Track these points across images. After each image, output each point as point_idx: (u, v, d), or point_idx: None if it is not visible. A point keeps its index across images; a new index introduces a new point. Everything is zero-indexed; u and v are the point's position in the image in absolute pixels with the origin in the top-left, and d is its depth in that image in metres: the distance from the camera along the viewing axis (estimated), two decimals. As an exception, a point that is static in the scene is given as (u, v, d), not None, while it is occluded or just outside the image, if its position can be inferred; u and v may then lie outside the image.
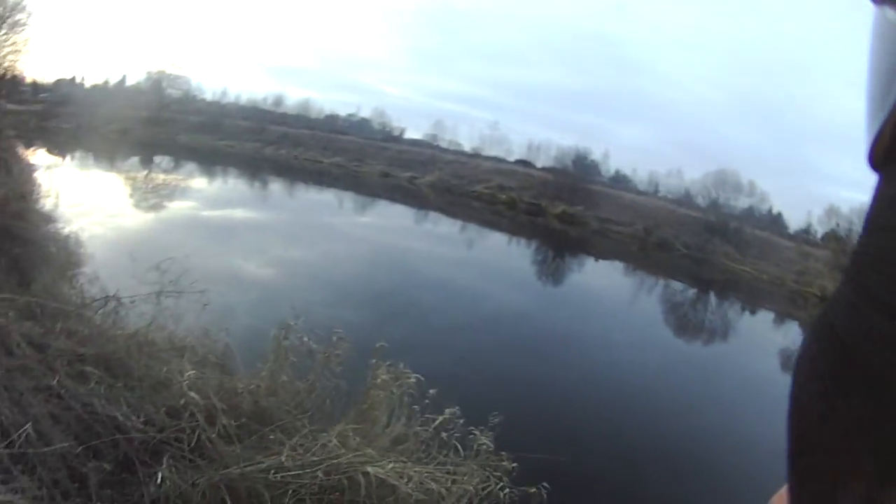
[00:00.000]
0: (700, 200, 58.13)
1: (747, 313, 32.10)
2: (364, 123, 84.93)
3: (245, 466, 4.70)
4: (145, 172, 41.39)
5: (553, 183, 58.58)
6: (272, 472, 4.68)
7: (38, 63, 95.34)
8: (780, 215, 60.62)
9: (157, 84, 72.73)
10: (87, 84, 78.61)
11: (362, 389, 6.25)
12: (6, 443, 4.25)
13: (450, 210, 47.16)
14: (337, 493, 4.73)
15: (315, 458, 4.85)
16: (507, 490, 5.47)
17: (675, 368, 17.07)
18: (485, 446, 5.70)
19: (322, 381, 6.48)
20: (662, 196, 64.46)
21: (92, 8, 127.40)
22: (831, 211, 51.91)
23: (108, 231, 18.24)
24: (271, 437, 5.41)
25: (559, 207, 54.20)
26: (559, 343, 16.53)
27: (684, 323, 25.00)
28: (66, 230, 13.28)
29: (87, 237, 13.28)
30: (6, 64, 33.33)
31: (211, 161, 53.78)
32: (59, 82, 75.12)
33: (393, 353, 6.58)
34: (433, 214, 44.18)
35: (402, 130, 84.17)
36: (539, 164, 70.44)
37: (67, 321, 6.70)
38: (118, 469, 4.75)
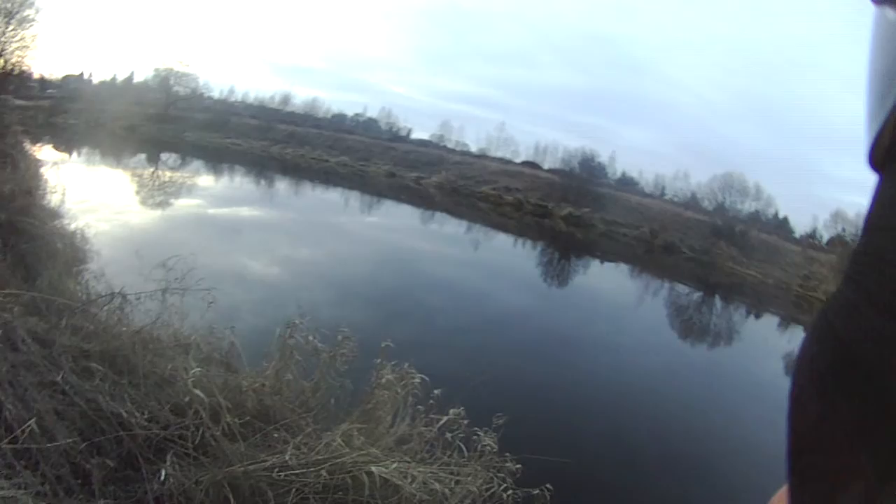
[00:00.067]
0: (706, 203, 58.25)
1: (752, 317, 32.03)
2: (371, 123, 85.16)
3: (249, 464, 4.70)
4: (152, 169, 41.51)
5: (560, 185, 58.71)
6: (276, 470, 4.67)
7: (46, 59, 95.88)
8: (785, 219, 60.73)
9: (164, 81, 72.99)
10: (95, 80, 79.08)
11: (367, 389, 6.25)
12: (10, 438, 4.24)
13: (456, 211, 47.23)
14: (340, 493, 4.72)
15: (319, 457, 4.85)
16: (510, 491, 5.46)
17: (680, 371, 17.04)
18: (489, 447, 5.69)
19: (327, 380, 6.48)
20: (669, 199, 64.64)
21: (100, 4, 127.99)
22: (837, 215, 52.05)
23: (114, 228, 18.26)
24: (275, 435, 5.41)
25: (565, 209, 54.27)
26: (564, 345, 16.52)
27: (689, 326, 24.97)
28: (73, 226, 13.28)
29: (94, 234, 13.27)
30: (14, 59, 33.45)
31: (217, 159, 53.99)
32: (66, 78, 75.54)
33: (398, 352, 6.57)
34: (439, 215, 44.21)
35: (409, 130, 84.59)
36: (546, 166, 70.73)
37: (73, 317, 6.70)
38: (122, 466, 4.75)
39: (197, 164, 49.74)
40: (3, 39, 31.57)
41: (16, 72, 34.43)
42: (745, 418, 12.57)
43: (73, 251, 11.60)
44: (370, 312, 14.63)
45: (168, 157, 50.42)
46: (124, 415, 5.03)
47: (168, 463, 4.68)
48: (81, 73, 79.21)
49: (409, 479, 4.90)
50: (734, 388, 16.36)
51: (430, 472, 5.17)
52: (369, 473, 4.72)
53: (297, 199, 41.05)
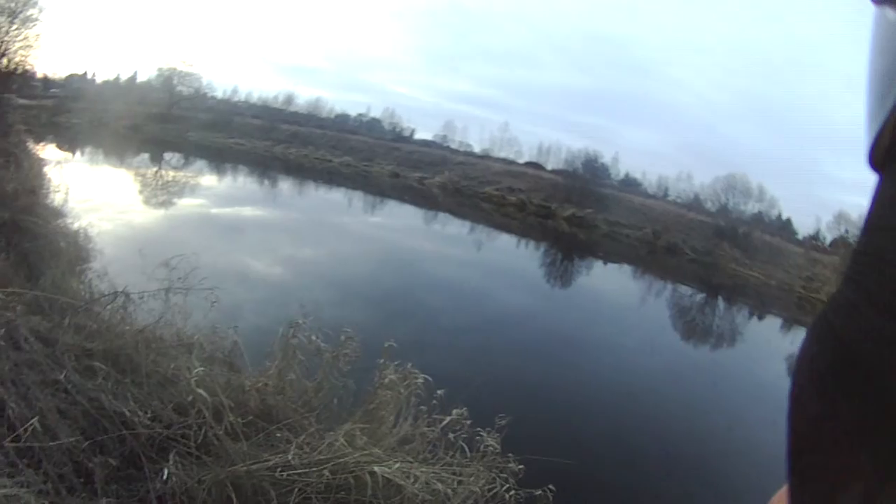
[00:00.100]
0: (709, 205, 58.13)
1: (755, 319, 32.03)
2: (374, 123, 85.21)
3: (251, 464, 4.70)
4: (155, 169, 41.56)
5: (563, 185, 58.70)
6: (278, 470, 4.67)
7: (49, 58, 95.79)
8: (789, 221, 60.64)
9: (168, 81, 73.06)
10: (99, 80, 79.23)
11: (370, 389, 6.24)
12: (12, 436, 4.25)
13: (459, 211, 47.25)
14: (343, 493, 4.72)
15: (322, 457, 4.85)
16: (512, 492, 5.46)
17: (683, 372, 17.05)
18: (491, 447, 5.68)
19: (330, 379, 6.48)
20: (672, 200, 64.55)
21: (104, 3, 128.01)
22: (840, 217, 51.94)
23: (117, 227, 18.30)
24: (278, 435, 5.41)
25: (569, 210, 54.26)
26: (567, 345, 16.53)
27: (692, 327, 24.96)
28: (76, 225, 13.30)
29: (97, 233, 13.28)
30: (17, 59, 33.47)
31: (221, 159, 54.05)
32: (70, 78, 75.67)
33: (401, 353, 6.57)
34: (442, 215, 44.19)
35: (413, 131, 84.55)
36: (549, 167, 70.65)
37: (76, 316, 6.70)
38: (124, 464, 4.75)
39: (200, 163, 49.84)
40: (6, 39, 31.63)
41: (19, 71, 34.50)
42: (747, 419, 12.57)
43: (76, 250, 11.61)
44: (373, 312, 14.64)
45: (171, 157, 50.55)
46: (127, 414, 5.03)
47: (171, 462, 4.68)
48: (85, 73, 79.43)
49: (412, 480, 4.90)
50: (737, 389, 16.35)
51: (433, 473, 5.17)
52: (372, 473, 4.71)
53: (301, 198, 41.09)
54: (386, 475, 4.76)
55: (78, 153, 41.63)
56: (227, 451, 4.90)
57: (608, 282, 32.42)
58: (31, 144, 26.03)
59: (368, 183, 56.19)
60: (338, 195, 47.02)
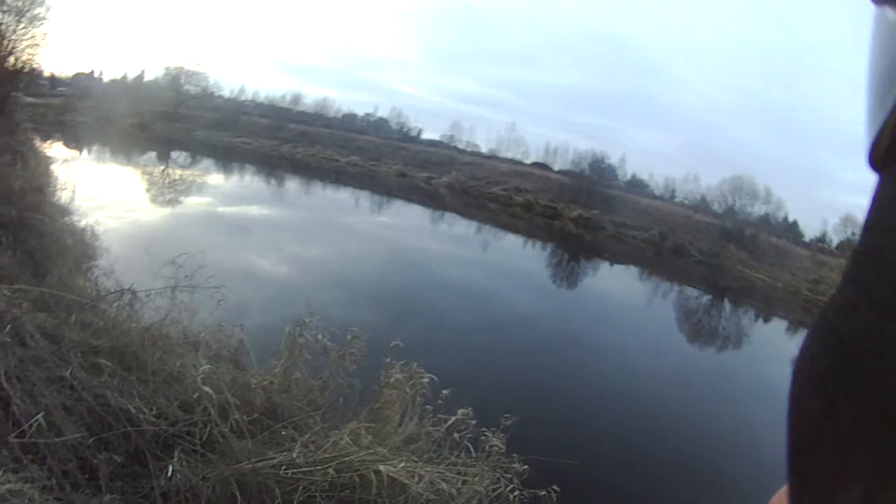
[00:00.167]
0: (716, 206, 58.13)
1: (761, 321, 32.01)
2: (381, 123, 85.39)
3: (256, 462, 4.70)
4: (162, 167, 41.65)
5: (570, 186, 58.73)
6: (283, 468, 4.67)
7: (56, 57, 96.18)
8: (795, 223, 60.53)
9: (175, 80, 73.23)
10: (106, 78, 79.54)
11: (375, 388, 6.25)
12: (17, 432, 4.25)
13: (466, 211, 47.31)
14: (348, 491, 4.72)
15: (327, 456, 4.85)
16: (517, 492, 5.46)
17: (689, 374, 17.04)
18: (496, 448, 5.68)
19: (335, 378, 6.49)
20: (678, 201, 64.53)
21: (111, 2, 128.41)
22: (847, 219, 51.84)
23: (123, 225, 18.32)
24: (283, 433, 5.41)
25: (575, 211, 54.28)
26: (573, 346, 16.52)
27: (698, 329, 24.95)
28: (82, 223, 13.33)
29: (103, 230, 13.32)
30: (25, 57, 33.52)
31: (227, 158, 54.21)
32: (77, 76, 76.03)
33: (407, 352, 6.57)
34: (449, 215, 44.26)
35: (420, 131, 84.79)
36: (556, 167, 70.82)
37: (82, 313, 6.72)
38: (129, 461, 4.75)
39: (207, 162, 49.95)
40: (13, 37, 31.67)
41: (26, 69, 34.56)
42: (753, 421, 12.54)
43: (82, 248, 11.64)
44: (379, 312, 14.65)
45: (178, 156, 50.64)
46: (132, 411, 5.04)
47: (175, 459, 4.69)
48: (92, 71, 79.71)
49: (417, 479, 4.90)
50: (743, 390, 16.33)
51: (438, 472, 5.17)
52: (377, 472, 4.72)
53: (307, 198, 41.15)
54: (391, 474, 4.76)
55: (85, 151, 41.74)
56: (232, 449, 4.91)
57: (614, 283, 32.41)
58: (38, 142, 26.20)
59: (375, 183, 56.29)
60: (345, 195, 47.07)
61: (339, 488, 4.70)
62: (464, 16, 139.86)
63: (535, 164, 72.12)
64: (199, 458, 4.86)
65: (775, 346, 25.57)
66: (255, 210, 29.57)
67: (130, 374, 5.64)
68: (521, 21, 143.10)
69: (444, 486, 5.02)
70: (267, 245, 21.20)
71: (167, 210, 25.18)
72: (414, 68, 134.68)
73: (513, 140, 78.73)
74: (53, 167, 19.86)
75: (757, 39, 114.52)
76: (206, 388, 5.17)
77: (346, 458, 4.82)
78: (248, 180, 44.84)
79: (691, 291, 34.52)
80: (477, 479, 5.36)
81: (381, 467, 4.76)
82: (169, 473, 4.59)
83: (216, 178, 41.80)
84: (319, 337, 6.58)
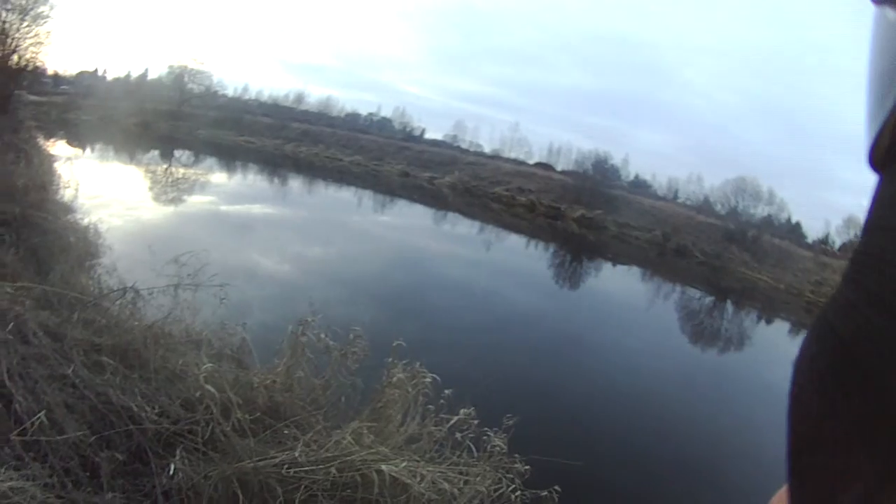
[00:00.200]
0: (719, 207, 58.08)
1: (763, 322, 31.98)
2: (385, 122, 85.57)
3: (258, 461, 4.70)
4: (165, 166, 41.67)
5: (572, 186, 58.69)
6: (285, 467, 4.67)
7: (60, 55, 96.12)
8: (798, 224, 60.57)
9: (178, 78, 73.46)
10: (109, 77, 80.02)
11: (378, 387, 6.25)
12: (19, 430, 4.26)
13: (469, 211, 47.26)
14: (349, 490, 4.72)
15: (329, 455, 4.85)
16: (518, 492, 5.46)
17: (691, 375, 17.03)
18: (498, 448, 5.68)
19: (338, 378, 6.49)
20: (681, 202, 64.61)
21: (115, 1, 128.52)
22: (850, 221, 51.79)
23: (126, 223, 18.33)
24: (285, 432, 5.42)
25: (578, 211, 54.25)
26: (575, 346, 16.52)
27: (700, 330, 24.92)
28: (85, 221, 13.35)
29: (106, 229, 13.32)
30: (28, 55, 33.48)
31: (231, 156, 54.25)
32: (80, 74, 76.28)
33: (409, 351, 6.56)
34: (452, 215, 44.20)
35: (423, 130, 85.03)
36: (559, 167, 70.93)
37: (84, 311, 6.72)
38: (131, 459, 4.76)
39: (210, 161, 49.98)
40: (17, 35, 31.63)
41: (30, 68, 34.52)
42: (755, 422, 12.53)
43: (85, 246, 11.65)
44: (382, 311, 14.65)
45: (181, 154, 50.71)
46: (134, 409, 5.05)
47: (177, 457, 4.70)
48: (95, 70, 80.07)
49: (418, 478, 4.90)
50: (745, 391, 16.31)
51: (440, 472, 5.16)
52: (379, 472, 4.72)
53: (310, 197, 41.15)
54: (393, 474, 4.76)
55: (88, 150, 41.77)
56: (234, 448, 4.91)
57: (617, 283, 32.39)
58: (41, 140, 26.22)
59: (378, 182, 56.31)
60: (348, 194, 47.07)
61: (341, 487, 4.70)
62: (467, 15, 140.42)
63: (539, 165, 72.20)
64: (201, 456, 4.86)
65: (777, 347, 25.52)
66: (257, 209, 29.57)
67: (133, 373, 5.65)
68: (524, 20, 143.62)
69: (446, 485, 5.02)
70: (270, 244, 21.20)
71: (170, 208, 25.18)
72: (417, 68, 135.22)
73: (516, 140, 78.96)
74: (56, 165, 19.87)
75: (759, 39, 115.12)
76: (209, 387, 5.17)
77: (348, 458, 4.82)
78: (251, 179, 44.84)
79: (694, 292, 34.49)
80: (479, 479, 5.36)
81: (384, 467, 4.76)
82: (171, 472, 4.60)
83: (219, 177, 41.82)
84: (322, 336, 6.57)
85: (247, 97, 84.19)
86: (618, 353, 16.76)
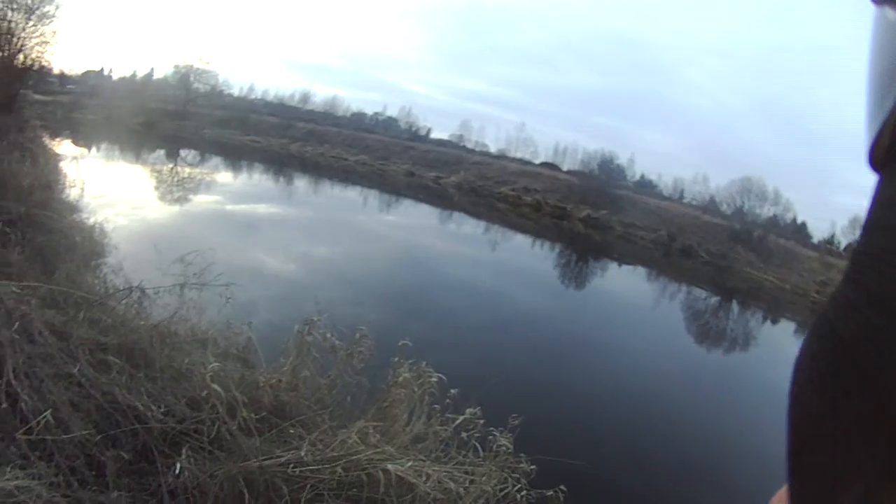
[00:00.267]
0: (725, 208, 58.07)
1: (769, 323, 31.97)
2: (390, 122, 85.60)
3: (264, 460, 4.70)
4: (171, 166, 41.75)
5: (578, 186, 58.77)
6: (291, 466, 4.67)
7: (65, 55, 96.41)
8: (804, 225, 60.55)
9: (184, 78, 73.54)
10: (115, 76, 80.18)
11: (383, 387, 6.25)
12: (25, 429, 4.26)
13: (474, 211, 47.31)
14: (355, 490, 4.72)
15: (334, 454, 4.85)
16: (524, 492, 5.45)
17: (696, 375, 17.02)
18: (504, 447, 5.68)
19: (344, 377, 6.49)
20: (687, 202, 64.56)
21: (121, 1, 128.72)
22: (855, 222, 51.57)
23: (132, 223, 18.36)
24: (291, 431, 5.42)
25: (584, 211, 54.28)
26: (581, 346, 16.51)
27: (706, 330, 24.90)
28: (91, 220, 13.39)
29: (112, 228, 13.35)
30: (34, 55, 33.48)
31: (236, 156, 54.33)
32: (86, 74, 76.48)
33: (415, 351, 6.57)
34: (458, 215, 44.26)
35: (429, 130, 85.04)
36: (565, 167, 70.95)
37: (90, 310, 6.74)
38: (136, 458, 4.76)
39: (215, 160, 50.07)
40: (23, 35, 31.61)
41: (35, 67, 34.52)
42: (760, 422, 12.52)
43: (91, 245, 11.67)
44: (387, 311, 14.66)
45: (187, 154, 50.81)
46: (140, 408, 5.05)
47: (183, 456, 4.70)
48: (101, 70, 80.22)
49: (424, 478, 4.90)
50: (750, 392, 16.30)
51: (445, 471, 5.16)
52: (384, 471, 4.71)
53: (316, 196, 41.22)
54: (398, 473, 4.76)
55: (94, 149, 41.84)
56: (239, 447, 4.91)
57: (623, 283, 32.40)
58: (46, 140, 26.28)
59: (384, 182, 56.38)
60: (353, 193, 47.15)
61: (347, 487, 4.70)
62: (473, 15, 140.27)
63: (544, 164, 72.20)
64: (206, 455, 4.86)
65: (782, 348, 25.50)
66: (263, 208, 29.62)
67: (138, 372, 5.65)
68: (530, 20, 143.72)
69: (452, 485, 5.01)
70: (275, 243, 21.23)
71: (176, 208, 25.23)
72: (423, 67, 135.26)
73: (522, 140, 78.99)
74: (62, 164, 19.93)
75: (760, 40, 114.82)
76: (215, 386, 5.18)
77: (354, 457, 4.82)
78: (256, 178, 44.94)
79: (699, 292, 34.47)
80: (484, 478, 5.35)
81: (389, 466, 4.76)
82: (177, 471, 4.60)
83: (225, 177, 41.90)
84: (328, 335, 6.58)
85: (252, 97, 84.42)
86: (623, 354, 16.75)
